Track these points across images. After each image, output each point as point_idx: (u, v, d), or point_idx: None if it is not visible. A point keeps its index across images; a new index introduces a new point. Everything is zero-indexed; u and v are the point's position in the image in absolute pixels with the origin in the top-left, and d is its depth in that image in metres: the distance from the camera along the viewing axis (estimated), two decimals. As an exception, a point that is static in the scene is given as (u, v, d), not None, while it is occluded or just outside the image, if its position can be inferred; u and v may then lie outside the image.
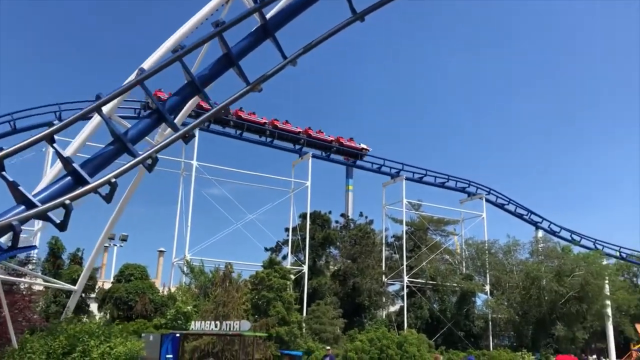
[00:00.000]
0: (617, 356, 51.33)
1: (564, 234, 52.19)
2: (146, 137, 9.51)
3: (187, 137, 8.97)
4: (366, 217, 45.59)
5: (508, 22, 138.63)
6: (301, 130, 42.93)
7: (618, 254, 53.97)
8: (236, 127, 40.74)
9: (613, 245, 53.59)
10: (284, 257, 40.94)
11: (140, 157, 8.19)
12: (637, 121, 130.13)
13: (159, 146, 8.44)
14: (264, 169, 50.47)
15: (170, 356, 21.23)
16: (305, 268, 38.05)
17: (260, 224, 40.29)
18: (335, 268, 43.38)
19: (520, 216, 51.95)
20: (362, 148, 46.44)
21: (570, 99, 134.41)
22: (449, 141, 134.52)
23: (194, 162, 36.80)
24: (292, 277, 37.59)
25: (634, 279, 72.94)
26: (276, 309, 28.33)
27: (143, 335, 23.69)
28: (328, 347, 23.66)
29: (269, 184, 42.08)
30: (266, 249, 41.36)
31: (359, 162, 47.38)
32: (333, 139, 44.40)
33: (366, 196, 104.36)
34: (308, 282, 37.79)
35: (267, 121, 41.49)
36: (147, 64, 13.90)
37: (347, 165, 49.25)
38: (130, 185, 12.07)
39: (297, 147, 42.95)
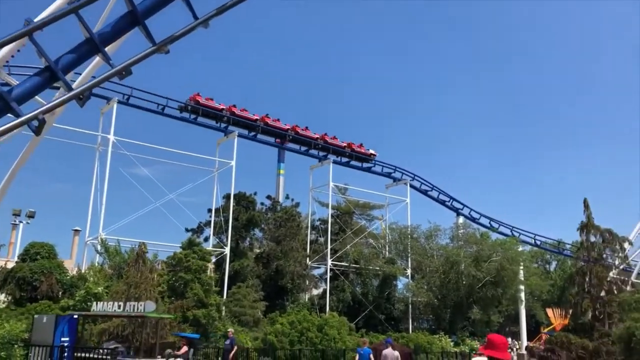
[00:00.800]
0: (529, 339, 53.73)
1: (483, 220, 53.81)
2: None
3: (82, 99, 7.97)
4: (292, 200, 45.08)
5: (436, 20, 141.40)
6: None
7: (533, 241, 56.25)
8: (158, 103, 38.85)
9: (529, 232, 55.87)
10: (206, 239, 39.73)
11: (25, 117, 7.11)
12: (548, 113, 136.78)
13: (47, 106, 7.35)
14: (190, 148, 48.58)
15: (67, 339, 19.57)
16: (227, 250, 37.08)
17: (181, 205, 38.79)
18: (259, 250, 42.69)
19: (442, 202, 53.04)
20: (290, 128, 45.41)
21: (494, 95, 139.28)
22: (377, 126, 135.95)
23: (111, 137, 34.74)
24: (213, 258, 36.58)
25: (547, 266, 76.68)
26: (193, 291, 27.29)
27: (36, 316, 21.92)
28: (230, 329, 22.82)
29: (193, 163, 40.48)
30: (187, 230, 39.99)
31: (288, 145, 46.53)
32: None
33: (299, 181, 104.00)
34: (230, 264, 36.93)
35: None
36: (41, 17, 12.48)
37: (277, 147, 48.35)
38: (22, 153, 10.76)
39: (223, 125, 41.44)
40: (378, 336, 37.03)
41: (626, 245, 31.10)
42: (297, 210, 43.79)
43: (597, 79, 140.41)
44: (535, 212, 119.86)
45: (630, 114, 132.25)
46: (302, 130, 45.17)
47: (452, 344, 37.86)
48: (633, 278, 36.31)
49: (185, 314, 26.01)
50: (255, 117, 42.87)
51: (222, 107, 40.92)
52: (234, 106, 41.66)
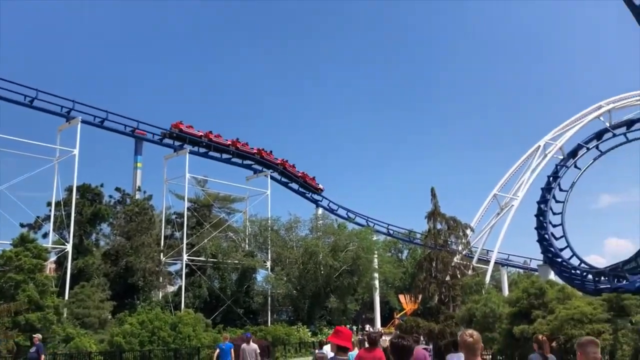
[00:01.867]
0: (383, 324, 56.08)
1: (340, 211, 55.12)
2: None
3: None
4: (144, 192, 42.56)
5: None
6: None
7: (387, 230, 58.67)
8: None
9: (383, 222, 58.15)
10: (45, 235, 36.03)
11: None
12: (406, 105, 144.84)
13: None
14: (25, 134, 43.36)
15: None
16: (69, 247, 33.91)
17: (16, 199, 34.49)
18: (107, 247, 39.78)
19: (302, 194, 53.46)
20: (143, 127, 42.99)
21: (356, 84, 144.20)
22: (242, 118, 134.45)
23: None
24: (53, 256, 33.34)
25: (399, 255, 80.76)
26: (26, 293, 24.43)
27: None
28: (36, 335, 19.62)
29: (28, 151, 36.12)
30: (22, 226, 35.88)
31: (139, 134, 43.75)
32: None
33: (159, 174, 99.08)
34: (73, 262, 33.82)
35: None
36: None
37: (134, 137, 45.18)
38: None
39: (65, 110, 37.77)
40: (236, 330, 36.22)
41: (468, 231, 33.24)
42: (150, 203, 41.39)
43: (443, 76, 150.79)
44: (389, 203, 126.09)
45: (479, 107, 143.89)
46: None
47: (309, 333, 38.19)
48: (474, 262, 39.06)
49: (16, 318, 23.16)
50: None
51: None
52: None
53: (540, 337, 10.49)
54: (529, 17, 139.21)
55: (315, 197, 53.96)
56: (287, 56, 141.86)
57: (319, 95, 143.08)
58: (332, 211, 54.49)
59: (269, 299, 44.20)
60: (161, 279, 39.62)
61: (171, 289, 44.25)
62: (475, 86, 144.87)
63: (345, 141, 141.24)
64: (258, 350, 17.43)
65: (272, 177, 50.56)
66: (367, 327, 53.87)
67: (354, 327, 43.88)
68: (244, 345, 17.17)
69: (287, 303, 45.86)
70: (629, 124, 35.59)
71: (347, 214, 55.41)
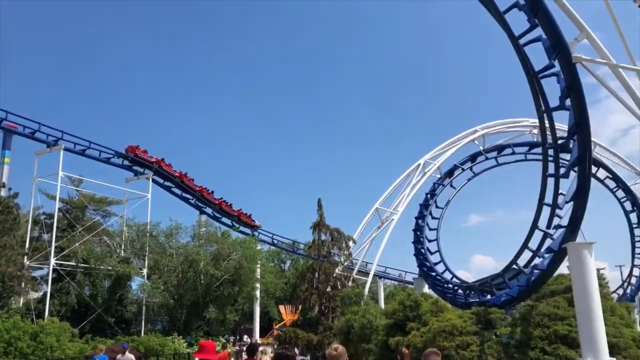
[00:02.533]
0: (262, 335, 55.60)
1: (225, 219, 54.05)
2: None
3: None
4: (10, 189, 38.91)
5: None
6: None
7: (271, 240, 58.43)
8: None
9: (267, 232, 57.84)
10: None
11: None
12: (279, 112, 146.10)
13: None
14: None
15: None
16: None
17: None
18: (-39, 248, 35.80)
19: (186, 200, 51.78)
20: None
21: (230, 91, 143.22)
22: (123, 115, 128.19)
23: None
24: None
25: (282, 265, 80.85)
26: None
27: None
28: None
29: None
30: None
31: (4, 126, 39.90)
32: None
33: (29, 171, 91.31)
34: None
35: None
36: None
37: (2, 129, 40.96)
38: None
39: None
40: (106, 341, 33.99)
41: (351, 243, 33.90)
42: (15, 202, 37.84)
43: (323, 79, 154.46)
44: (274, 213, 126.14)
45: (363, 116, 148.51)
46: None
47: (185, 344, 36.77)
48: (354, 274, 39.91)
49: None
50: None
51: None
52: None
53: (403, 349, 11.18)
54: (416, 39, 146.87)
55: (200, 203, 52.52)
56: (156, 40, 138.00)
57: (207, 100, 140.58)
58: (216, 219, 53.30)
59: (144, 308, 42.08)
60: (23, 284, 36.28)
61: (35, 295, 40.72)
62: (362, 102, 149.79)
63: (230, 147, 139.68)
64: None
65: (154, 181, 48.45)
66: (245, 337, 53.19)
67: (232, 338, 42.99)
68: (119, 356, 16.86)
69: (163, 312, 43.94)
70: (500, 149, 38.27)
71: (231, 222, 54.49)
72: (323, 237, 31.00)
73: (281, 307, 59.51)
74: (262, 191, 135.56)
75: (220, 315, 42.29)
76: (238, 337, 52.51)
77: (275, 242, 59.19)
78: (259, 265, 47.38)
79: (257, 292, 48.77)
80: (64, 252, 38.89)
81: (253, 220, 55.34)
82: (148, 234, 43.96)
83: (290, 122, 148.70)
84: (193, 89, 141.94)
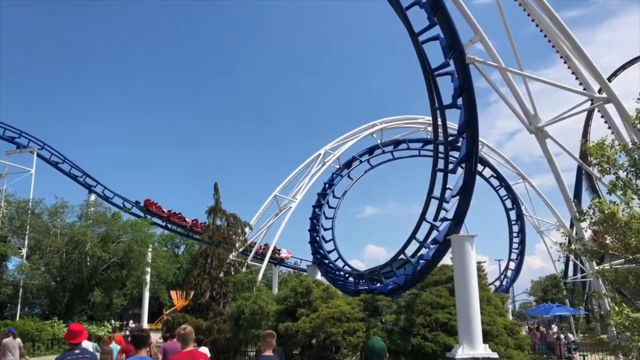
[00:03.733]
0: (152, 320, 53.98)
1: (116, 200, 51.81)
2: None
3: None
4: None
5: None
6: None
7: (164, 224, 56.62)
8: None
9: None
10: None
11: None
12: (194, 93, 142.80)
13: None
14: None
15: None
16: None
17: None
18: None
19: (74, 177, 48.91)
20: None
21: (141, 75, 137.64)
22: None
23: None
24: None
25: (176, 250, 79.02)
26: None
27: None
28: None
29: None
30: None
31: None
32: None
33: None
34: None
35: None
36: None
37: None
38: None
39: None
40: (-26, 325, 31.49)
41: (247, 229, 33.53)
42: None
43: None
44: (170, 196, 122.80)
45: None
46: None
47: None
48: (249, 260, 39.66)
49: None
50: None
51: None
52: None
53: (268, 331, 12.07)
54: (325, 32, 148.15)
55: (89, 181, 49.82)
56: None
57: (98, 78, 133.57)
58: (106, 199, 50.82)
59: (21, 290, 39.26)
60: None
61: None
62: (269, 91, 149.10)
63: (121, 127, 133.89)
64: (22, 344, 17.43)
65: (39, 155, 45.30)
66: (131, 322, 51.34)
67: (117, 324, 41.20)
68: (5, 340, 16.59)
69: (43, 295, 41.25)
70: (396, 143, 39.56)
71: (123, 203, 52.23)
72: (218, 222, 30.40)
73: (172, 293, 58.09)
74: (158, 175, 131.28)
75: (107, 300, 40.34)
76: (125, 323, 50.62)
77: (169, 226, 57.41)
78: (150, 249, 45.75)
79: (148, 277, 47.13)
80: None
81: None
82: (29, 212, 41.01)
83: (189, 104, 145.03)
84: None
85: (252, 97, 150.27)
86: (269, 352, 7.09)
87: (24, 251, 40.13)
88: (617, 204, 9.71)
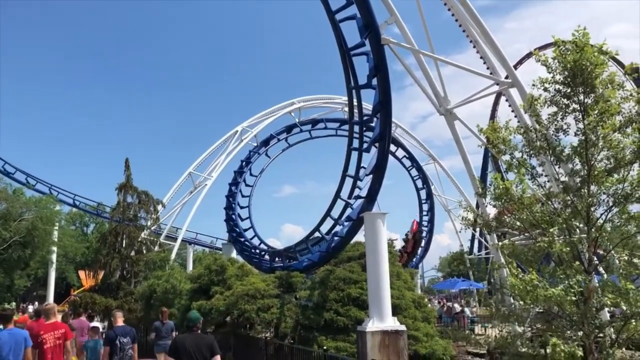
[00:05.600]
0: (58, 301, 51.63)
1: (18, 175, 48.77)
2: None
3: None
4: None
5: None
6: None
7: (72, 202, 54.05)
8: None
9: (69, 192, 53.34)
10: None
11: None
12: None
13: None
14: None
15: None
16: None
17: None
18: None
19: (-30, 151, 45.51)
20: None
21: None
22: None
23: None
24: None
25: (85, 228, 75.83)
26: None
27: None
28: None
29: None
30: None
31: None
32: None
33: None
34: None
35: None
36: None
37: None
38: None
39: None
40: None
41: (160, 207, 32.75)
42: None
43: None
44: (78, 172, 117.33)
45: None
46: None
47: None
48: (162, 239, 38.80)
49: None
50: None
51: None
52: None
53: (163, 309, 15.92)
54: (245, 8, 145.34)
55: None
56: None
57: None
58: (7, 174, 47.68)
59: None
60: None
61: None
62: (186, 66, 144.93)
63: (26, 95, 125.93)
64: None
65: None
66: (30, 306, 48.76)
67: (20, 305, 39.21)
68: None
69: None
70: (314, 123, 39.77)
71: (26, 179, 49.23)
72: (129, 199, 29.45)
73: (81, 273, 55.76)
74: (64, 150, 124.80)
75: (7, 280, 38.23)
76: (27, 304, 48.17)
77: (78, 203, 54.85)
78: (56, 228, 43.61)
79: (54, 256, 45.01)
80: None
81: None
82: None
83: (100, 80, 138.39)
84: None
85: (166, 68, 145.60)
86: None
87: None
88: (511, 181, 10.38)
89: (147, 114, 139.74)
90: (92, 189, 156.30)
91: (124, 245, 28.54)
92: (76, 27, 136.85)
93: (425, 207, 47.63)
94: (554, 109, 10.60)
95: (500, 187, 10.23)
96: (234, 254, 31.29)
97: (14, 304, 38.38)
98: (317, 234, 24.66)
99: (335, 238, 21.68)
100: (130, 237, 28.49)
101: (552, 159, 10.64)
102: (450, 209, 53.32)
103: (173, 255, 36.20)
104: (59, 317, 9.91)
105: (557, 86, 10.41)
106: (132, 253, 28.71)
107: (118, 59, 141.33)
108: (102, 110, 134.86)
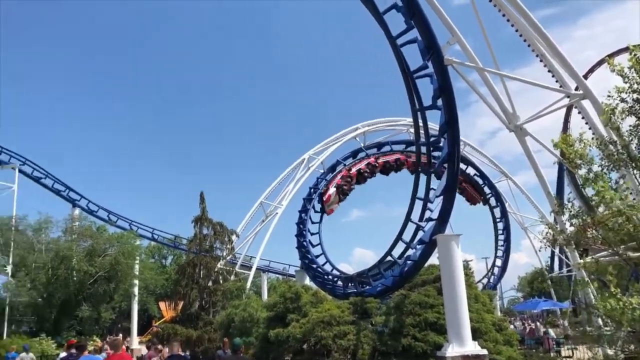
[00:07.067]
0: (141, 333, 53.49)
1: (101, 213, 51.40)
2: None
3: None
4: None
5: None
6: None
7: (151, 235, 56.33)
8: None
9: (147, 227, 55.66)
10: None
11: None
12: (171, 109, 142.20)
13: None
14: None
15: None
16: None
17: None
18: None
19: (57, 192, 48.51)
20: None
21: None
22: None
23: None
24: None
25: (163, 261, 78.50)
26: None
27: None
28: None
29: None
30: None
31: None
32: None
33: None
34: None
35: None
36: None
37: None
38: None
39: None
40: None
41: (234, 237, 33.55)
42: None
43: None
44: (156, 207, 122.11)
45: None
46: None
47: (54, 345, 34.45)
48: (237, 268, 39.61)
49: None
50: None
51: None
52: None
53: (224, 339, 19.07)
54: (308, 37, 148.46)
55: (73, 195, 49.44)
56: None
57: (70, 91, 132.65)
58: (91, 212, 50.42)
59: (7, 308, 38.78)
60: None
61: None
62: (249, 97, 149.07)
63: (102, 137, 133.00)
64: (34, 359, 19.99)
65: (21, 171, 44.95)
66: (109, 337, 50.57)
67: (107, 337, 40.83)
68: (21, 355, 19.54)
69: (30, 312, 40.83)
70: (379, 146, 39.75)
71: (108, 216, 51.85)
72: (205, 231, 30.39)
73: (161, 304, 57.61)
74: (142, 186, 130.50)
75: (95, 314, 40.04)
76: (114, 336, 50.12)
77: (156, 237, 57.12)
78: (137, 261, 45.47)
79: (135, 289, 46.80)
80: None
81: None
82: (13, 228, 40.61)
83: (169, 113, 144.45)
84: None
85: (232, 102, 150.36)
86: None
87: (9, 269, 39.70)
88: (612, 192, 9.64)
89: (218, 147, 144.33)
90: (168, 222, 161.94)
91: (201, 275, 29.36)
92: (165, 80, 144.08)
93: (500, 225, 46.21)
94: (633, 119, 10.14)
95: (601, 197, 9.23)
96: (307, 281, 31.48)
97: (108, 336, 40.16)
98: (389, 258, 24.45)
99: (408, 262, 21.42)
100: (207, 267, 29.29)
101: (634, 171, 10.16)
102: (527, 227, 51.49)
103: (249, 284, 36.86)
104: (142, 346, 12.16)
105: (636, 95, 9.97)
106: (210, 283, 29.46)
107: (189, 100, 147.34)
108: (178, 151, 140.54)
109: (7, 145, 46.17)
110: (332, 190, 34.63)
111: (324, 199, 34.54)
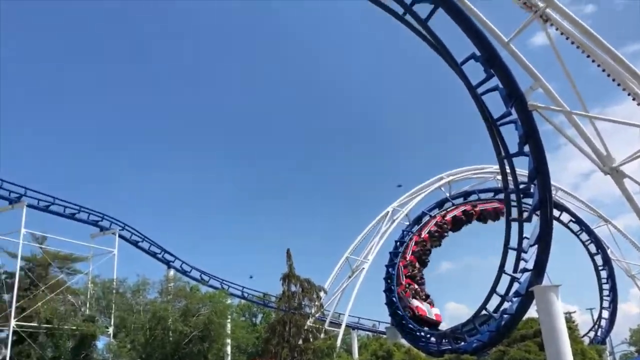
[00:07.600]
0: (234, 393, 53.67)
1: (194, 273, 53.06)
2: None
3: None
4: (-35, 249, 37.77)
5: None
6: None
7: (241, 293, 57.38)
8: None
9: (237, 285, 56.85)
10: None
11: None
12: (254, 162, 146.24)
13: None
14: None
15: None
16: None
17: None
18: None
19: (153, 254, 50.82)
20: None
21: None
22: (78, 169, 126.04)
23: None
24: None
25: (254, 319, 79.23)
26: None
27: None
28: None
29: None
30: None
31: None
32: None
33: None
34: None
35: None
36: None
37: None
38: None
39: None
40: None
41: (322, 294, 33.52)
42: (-26, 262, 36.67)
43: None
44: (244, 265, 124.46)
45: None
46: None
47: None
48: (326, 326, 39.29)
49: None
50: None
51: None
52: None
53: None
54: (379, 94, 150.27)
55: (168, 257, 51.62)
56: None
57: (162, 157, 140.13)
58: (184, 273, 52.24)
59: (110, 368, 40.42)
60: (-20, 348, 34.73)
61: (-7, 360, 38.92)
62: (333, 152, 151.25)
63: (196, 201, 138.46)
64: None
65: (120, 236, 47.64)
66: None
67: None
68: None
69: (131, 373, 42.25)
70: (466, 195, 38.98)
71: (200, 276, 53.46)
72: (293, 289, 30.63)
73: (252, 362, 57.79)
74: (230, 245, 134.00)
75: (190, 374, 40.80)
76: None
77: (246, 295, 58.13)
78: (229, 320, 46.26)
79: (228, 348, 47.50)
80: (25, 313, 37.46)
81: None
82: (114, 291, 42.73)
83: (252, 173, 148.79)
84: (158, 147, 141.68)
85: (313, 160, 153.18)
86: None
87: (111, 330, 41.55)
88: None
89: (301, 206, 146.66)
90: (257, 280, 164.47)
91: (291, 334, 29.37)
92: (233, 133, 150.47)
93: (603, 274, 43.30)
94: None
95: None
96: (399, 338, 30.69)
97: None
98: (484, 312, 23.43)
99: (505, 316, 20.44)
100: (297, 325, 29.34)
101: None
102: (635, 274, 47.80)
103: (339, 342, 36.37)
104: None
105: None
106: (300, 342, 29.39)
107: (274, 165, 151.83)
108: (262, 206, 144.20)
109: (108, 212, 49.30)
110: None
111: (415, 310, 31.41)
